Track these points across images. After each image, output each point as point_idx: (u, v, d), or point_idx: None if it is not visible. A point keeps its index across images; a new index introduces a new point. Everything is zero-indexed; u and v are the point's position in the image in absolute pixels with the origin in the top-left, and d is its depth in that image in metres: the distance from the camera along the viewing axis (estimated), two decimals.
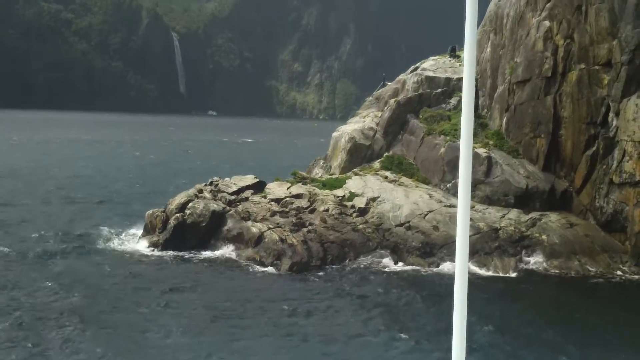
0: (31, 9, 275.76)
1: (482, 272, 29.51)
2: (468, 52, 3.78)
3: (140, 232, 32.82)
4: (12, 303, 22.52)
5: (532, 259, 30.89)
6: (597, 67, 32.56)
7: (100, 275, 26.40)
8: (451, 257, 30.47)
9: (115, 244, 31.76)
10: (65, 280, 25.46)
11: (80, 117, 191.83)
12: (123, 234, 33.69)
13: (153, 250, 30.22)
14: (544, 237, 31.83)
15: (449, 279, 28.24)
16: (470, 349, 19.95)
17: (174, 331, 20.63)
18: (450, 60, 42.69)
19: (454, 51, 44.23)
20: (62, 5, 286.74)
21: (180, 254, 30.17)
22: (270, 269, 28.44)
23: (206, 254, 30.33)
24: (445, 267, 29.77)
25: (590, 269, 30.39)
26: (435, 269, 29.66)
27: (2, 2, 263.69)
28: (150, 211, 32.76)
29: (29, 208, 40.61)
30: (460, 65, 41.41)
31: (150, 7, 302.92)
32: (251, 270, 28.36)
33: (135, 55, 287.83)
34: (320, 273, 28.27)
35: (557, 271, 30.16)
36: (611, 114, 31.97)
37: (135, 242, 31.78)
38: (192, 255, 30.11)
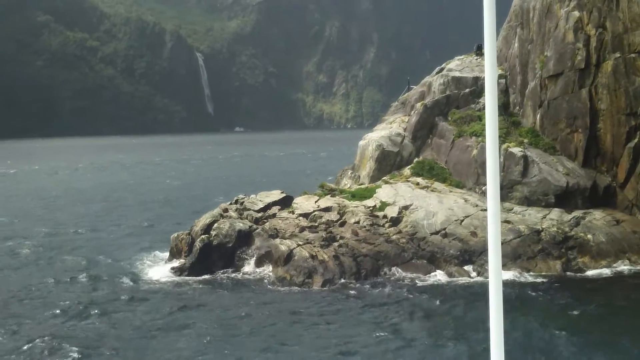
0: (57, 39, 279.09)
1: (527, 277, 27.88)
2: (489, 51, 3.64)
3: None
4: (29, 332, 21.49)
5: (578, 260, 29.20)
6: (633, 55, 30.89)
7: (121, 304, 25.27)
8: None
9: (142, 269, 30.68)
10: (81, 309, 24.48)
11: (110, 142, 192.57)
12: (152, 258, 32.74)
13: (179, 275, 29.04)
14: (589, 236, 30.12)
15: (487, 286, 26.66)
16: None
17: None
18: (476, 59, 41.12)
19: (480, 49, 42.63)
20: (87, 33, 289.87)
21: (208, 277, 29.00)
22: (302, 288, 27.09)
23: (234, 275, 29.13)
24: (486, 274, 28.19)
25: None
26: (475, 278, 28.09)
27: (28, 33, 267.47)
28: (176, 234, 31.72)
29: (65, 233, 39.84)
30: None
31: (173, 29, 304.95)
32: (282, 290, 27.05)
33: (161, 78, 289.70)
34: (354, 289, 26.85)
35: (606, 272, 28.44)
36: None
37: (161, 266, 30.67)
38: (219, 278, 28.92)
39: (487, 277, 26.66)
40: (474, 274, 28.48)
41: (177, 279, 28.82)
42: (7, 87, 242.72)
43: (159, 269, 30.31)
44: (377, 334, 21.52)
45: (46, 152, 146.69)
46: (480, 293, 25.97)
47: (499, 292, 3.53)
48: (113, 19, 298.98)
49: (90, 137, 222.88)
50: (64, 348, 20.58)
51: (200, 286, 27.89)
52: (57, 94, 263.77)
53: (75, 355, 20.10)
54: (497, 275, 3.55)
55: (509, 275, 27.98)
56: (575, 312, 23.66)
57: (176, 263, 30.11)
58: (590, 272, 28.55)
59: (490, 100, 3.61)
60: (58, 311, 24.60)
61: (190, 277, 28.87)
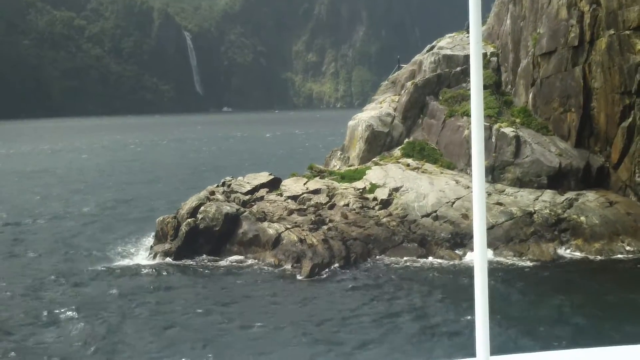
0: (44, 18, 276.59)
1: (519, 261, 27.33)
2: (474, 29, 3.53)
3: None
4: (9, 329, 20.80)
5: (571, 243, 28.67)
6: (628, 32, 30.14)
7: (104, 292, 24.55)
8: None
9: (126, 254, 29.96)
10: (57, 292, 23.76)
11: (101, 122, 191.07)
12: (136, 242, 32.08)
13: (165, 259, 28.35)
14: (582, 218, 29.56)
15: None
16: (512, 346, 17.91)
17: (190, 347, 18.83)
18: (467, 37, 40.27)
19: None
20: (74, 12, 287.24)
21: (194, 261, 28.30)
22: (290, 273, 26.45)
23: (221, 260, 28.43)
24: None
25: (636, 249, 28.11)
26: (467, 261, 27.52)
27: (15, 12, 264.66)
28: (161, 217, 30.93)
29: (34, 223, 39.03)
30: None
31: (161, 8, 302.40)
32: (270, 275, 26.39)
33: (150, 57, 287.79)
34: (344, 273, 26.24)
35: (600, 255, 27.91)
36: None
37: (146, 251, 29.98)
38: (206, 262, 28.21)
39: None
40: (465, 257, 27.88)
41: (162, 263, 28.13)
42: None
43: (144, 254, 29.61)
44: (365, 319, 20.95)
45: (36, 133, 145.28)
46: (472, 277, 25.39)
47: (484, 273, 3.41)
48: None
49: (79, 118, 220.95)
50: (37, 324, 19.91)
51: (186, 271, 27.23)
52: (45, 74, 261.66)
53: (50, 339, 19.43)
54: (482, 257, 3.44)
55: (501, 258, 27.45)
56: (567, 296, 23.13)
57: (162, 247, 29.37)
58: (583, 255, 28.02)
59: (475, 81, 3.44)
60: (33, 291, 24.07)
61: (175, 262, 28.18)
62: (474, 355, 3.51)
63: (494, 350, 3.54)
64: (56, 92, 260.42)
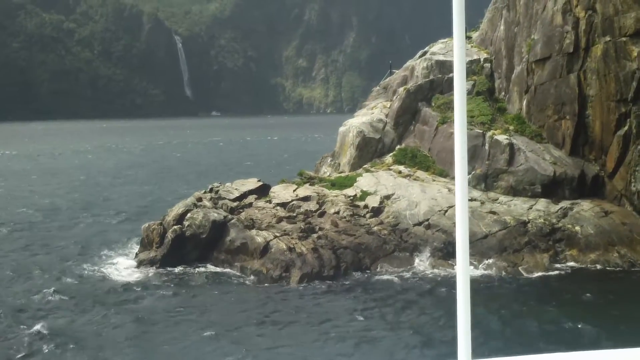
0: (33, 21, 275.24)
1: (513, 272, 26.68)
2: (457, 34, 3.47)
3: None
4: None
5: (566, 254, 28.06)
6: (624, 39, 29.63)
7: (81, 298, 23.74)
8: (476, 256, 27.72)
9: (108, 261, 29.14)
10: (37, 300, 22.93)
11: (92, 126, 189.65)
12: (120, 249, 31.27)
13: (150, 268, 27.54)
14: (577, 228, 28.98)
15: (474, 283, 25.50)
16: None
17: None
18: None
19: (465, 32, 41.31)
20: (64, 15, 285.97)
21: (180, 269, 27.49)
22: (279, 282, 25.72)
23: (208, 268, 27.65)
24: (471, 268, 27.01)
25: (632, 260, 27.53)
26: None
27: (4, 14, 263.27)
28: (147, 224, 30.15)
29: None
30: (472, 46, 38.52)
31: (151, 12, 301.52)
32: (258, 284, 25.66)
33: (139, 61, 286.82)
34: (334, 284, 25.53)
35: (595, 265, 27.32)
36: None
37: (130, 258, 29.18)
38: (192, 271, 27.41)
39: (472, 271, 25.45)
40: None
41: (147, 271, 27.32)
42: None
43: (128, 261, 28.80)
44: (354, 330, 20.28)
45: (24, 135, 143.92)
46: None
47: (466, 276, 3.35)
48: (89, 0, 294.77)
49: (68, 121, 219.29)
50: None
51: (171, 279, 26.44)
52: (34, 76, 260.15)
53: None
54: (464, 260, 3.38)
55: (495, 269, 26.80)
56: (561, 308, 22.54)
57: (147, 255, 28.58)
58: (578, 266, 27.42)
59: (458, 88, 3.37)
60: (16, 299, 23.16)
61: (160, 270, 27.39)
62: (455, 358, 3.42)
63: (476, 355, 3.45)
64: (45, 94, 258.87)
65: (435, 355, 18.39)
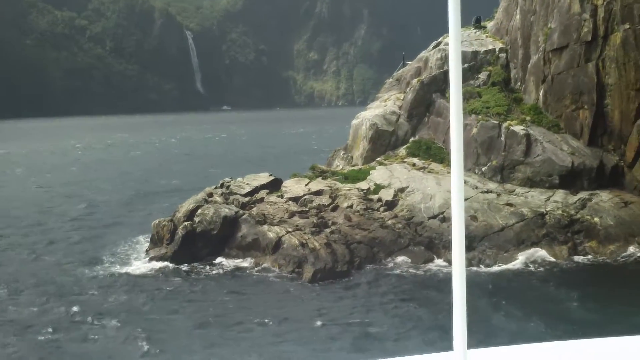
0: (45, 18, 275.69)
1: (531, 265, 26.05)
2: (453, 20, 3.36)
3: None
4: None
5: (585, 245, 27.38)
6: None
7: (91, 294, 23.37)
8: (493, 249, 27.13)
9: (119, 257, 28.73)
10: (46, 298, 22.54)
11: (107, 121, 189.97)
12: (131, 246, 30.87)
13: (160, 264, 27.09)
14: (596, 219, 28.30)
15: (490, 277, 24.93)
16: None
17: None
18: (475, 32, 39.06)
19: (479, 22, 40.60)
20: (76, 12, 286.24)
21: (190, 266, 27.04)
22: (291, 278, 25.20)
23: (219, 265, 27.17)
24: (489, 262, 26.40)
25: None
26: (475, 267, 26.23)
27: (16, 13, 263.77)
28: (157, 221, 29.71)
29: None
30: (487, 36, 37.79)
31: (162, 7, 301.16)
32: (270, 281, 25.17)
33: (151, 57, 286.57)
34: (348, 279, 25.01)
35: (615, 257, 26.64)
36: None
37: (141, 255, 28.75)
38: (203, 267, 26.94)
39: (489, 266, 24.83)
40: (474, 261, 26.61)
41: (157, 267, 26.88)
42: None
43: (139, 258, 28.38)
44: (369, 327, 19.77)
45: (38, 132, 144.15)
46: (480, 283, 24.17)
47: (462, 268, 3.33)
48: None
49: (82, 117, 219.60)
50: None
51: (182, 276, 26.01)
52: (47, 74, 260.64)
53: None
54: (460, 252, 3.34)
55: (514, 263, 26.18)
56: (579, 302, 21.92)
57: (157, 251, 28.15)
58: (598, 258, 26.76)
59: (454, 79, 3.38)
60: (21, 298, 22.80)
61: (171, 266, 26.95)
62: (451, 349, 3.42)
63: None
64: (59, 92, 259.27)
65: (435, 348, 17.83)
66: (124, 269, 26.88)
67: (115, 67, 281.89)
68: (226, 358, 17.93)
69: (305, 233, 27.41)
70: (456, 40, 3.40)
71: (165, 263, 27.20)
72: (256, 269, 26.44)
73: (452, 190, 3.42)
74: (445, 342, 18.53)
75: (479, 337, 17.42)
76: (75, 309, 22.02)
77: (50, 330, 20.15)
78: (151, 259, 27.63)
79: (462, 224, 3.37)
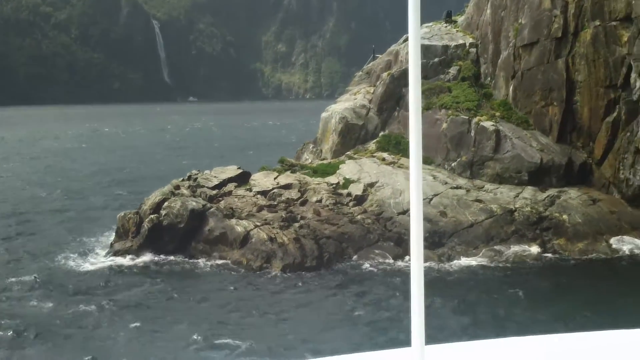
0: (9, 4, 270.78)
1: (500, 262, 25.98)
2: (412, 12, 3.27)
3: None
4: None
5: (554, 243, 27.40)
6: (614, 23, 28.98)
7: (52, 290, 22.78)
8: (463, 245, 27.05)
9: (82, 251, 28.10)
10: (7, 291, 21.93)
11: (69, 111, 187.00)
12: (95, 239, 30.22)
13: (124, 258, 26.53)
14: (564, 216, 28.34)
15: (460, 273, 24.82)
16: None
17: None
18: (446, 27, 38.91)
19: (450, 16, 40.49)
20: None
21: (156, 260, 26.50)
22: (259, 274, 24.83)
23: (185, 259, 26.67)
24: (456, 258, 26.30)
25: (621, 249, 26.95)
26: (445, 263, 26.08)
27: None
28: (122, 213, 29.10)
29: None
30: (457, 30, 37.66)
31: None
32: (237, 276, 24.76)
33: (117, 46, 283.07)
34: (317, 275, 24.70)
35: (583, 255, 26.68)
36: (633, 75, 28.45)
37: (105, 249, 28.13)
38: (169, 261, 26.41)
39: (458, 261, 24.68)
40: (444, 257, 26.48)
41: (122, 262, 26.32)
42: None
43: (103, 252, 27.77)
44: (336, 324, 19.52)
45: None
46: (449, 280, 24.06)
47: (420, 262, 3.32)
48: None
49: (45, 106, 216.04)
50: None
51: (147, 270, 25.50)
52: (10, 60, 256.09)
53: None
54: (418, 246, 3.34)
55: (482, 259, 26.10)
56: (550, 299, 21.92)
57: (122, 245, 27.56)
58: (566, 255, 26.78)
59: (413, 72, 3.33)
60: None
61: (137, 261, 26.41)
62: (409, 345, 3.46)
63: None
64: (21, 79, 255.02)
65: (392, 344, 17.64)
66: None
67: (79, 55, 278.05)
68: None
69: (273, 227, 27.04)
70: (415, 39, 3.32)
71: (128, 257, 26.66)
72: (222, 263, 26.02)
73: (410, 190, 3.42)
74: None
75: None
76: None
77: None
78: (115, 253, 27.04)
79: (420, 220, 3.37)
